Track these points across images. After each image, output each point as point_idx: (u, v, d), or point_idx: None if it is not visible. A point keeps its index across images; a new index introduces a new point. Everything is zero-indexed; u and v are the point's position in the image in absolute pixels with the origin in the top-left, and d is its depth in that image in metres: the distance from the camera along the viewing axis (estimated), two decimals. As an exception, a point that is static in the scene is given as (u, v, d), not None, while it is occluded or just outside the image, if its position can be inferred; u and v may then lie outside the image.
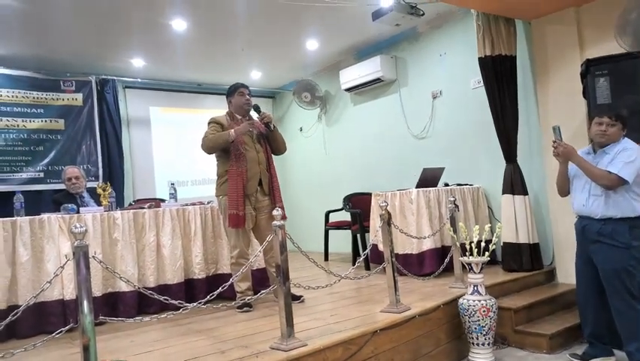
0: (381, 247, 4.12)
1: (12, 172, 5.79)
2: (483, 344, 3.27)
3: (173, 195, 4.34)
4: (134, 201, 5.62)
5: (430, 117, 5.71)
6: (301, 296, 3.76)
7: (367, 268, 4.96)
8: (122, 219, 3.63)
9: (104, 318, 2.43)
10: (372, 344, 2.86)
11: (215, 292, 2.65)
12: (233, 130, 3.61)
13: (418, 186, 4.66)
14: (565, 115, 4.18)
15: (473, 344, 3.30)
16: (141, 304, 3.59)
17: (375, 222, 4.83)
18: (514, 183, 4.50)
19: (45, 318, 3.19)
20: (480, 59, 4.56)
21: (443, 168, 5.04)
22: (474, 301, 3.28)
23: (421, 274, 4.23)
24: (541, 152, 4.56)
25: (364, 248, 5.24)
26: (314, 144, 7.47)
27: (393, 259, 3.32)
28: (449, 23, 5.45)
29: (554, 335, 3.53)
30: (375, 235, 4.59)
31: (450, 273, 4.05)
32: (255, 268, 4.04)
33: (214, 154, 3.77)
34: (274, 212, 2.66)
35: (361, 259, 3.51)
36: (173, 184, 4.49)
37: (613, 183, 2.89)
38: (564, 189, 3.27)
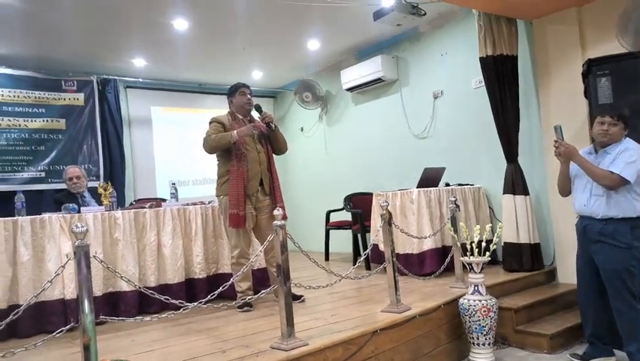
0: (381, 247, 4.12)
1: (13, 172, 5.80)
2: (483, 344, 3.27)
3: (174, 195, 4.34)
4: (135, 201, 5.63)
5: (431, 117, 5.71)
6: (302, 296, 3.76)
7: (368, 267, 4.96)
8: (123, 218, 3.64)
9: (105, 318, 2.43)
10: (372, 343, 2.86)
11: (216, 292, 2.65)
12: (235, 132, 3.61)
13: (419, 186, 4.66)
14: (566, 115, 4.17)
15: (474, 344, 3.30)
16: (142, 303, 3.60)
17: (376, 222, 4.83)
18: (515, 183, 4.50)
19: (46, 317, 3.20)
20: (481, 58, 4.55)
21: (444, 168, 5.04)
22: (474, 301, 3.28)
23: (422, 273, 4.22)
24: (543, 152, 4.55)
25: (365, 248, 5.24)
26: (315, 144, 7.47)
27: (394, 259, 3.32)
28: (450, 23, 5.45)
29: (555, 335, 3.53)
30: (375, 234, 4.59)
31: (451, 273, 4.05)
32: (255, 268, 4.04)
33: (215, 154, 3.78)
34: (275, 212, 2.66)
35: (362, 258, 3.52)
36: (174, 184, 4.49)
37: (614, 183, 2.89)
38: (565, 189, 3.26)
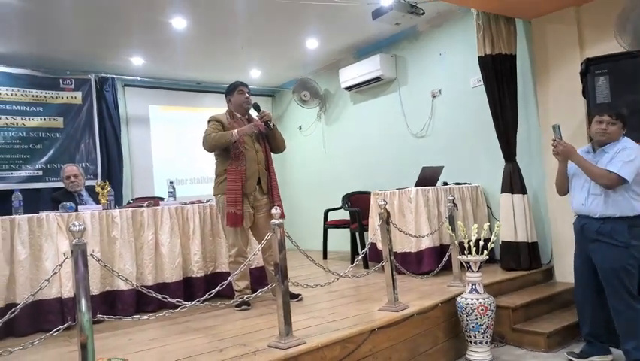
0: (379, 246, 4.12)
1: (10, 170, 5.79)
2: (481, 343, 3.27)
3: (172, 194, 4.34)
4: (132, 200, 5.62)
5: (430, 116, 5.71)
6: (299, 295, 3.76)
7: (366, 266, 4.96)
8: (121, 217, 3.63)
9: (102, 316, 2.42)
10: (370, 342, 2.86)
11: (214, 291, 2.65)
12: (236, 130, 3.61)
13: (417, 185, 4.66)
14: (564, 114, 4.18)
15: (471, 342, 3.30)
16: (139, 302, 3.59)
17: (374, 220, 4.83)
18: (513, 182, 4.50)
19: (43, 316, 3.19)
20: (480, 58, 4.55)
21: (442, 167, 5.04)
22: (472, 299, 3.29)
23: (420, 272, 4.22)
24: (541, 151, 4.56)
25: (363, 247, 5.25)
26: (313, 143, 7.46)
27: (392, 258, 3.32)
28: (449, 22, 5.45)
29: (552, 334, 3.54)
30: (373, 233, 4.59)
31: (448, 271, 4.06)
32: (253, 267, 4.04)
33: (214, 152, 3.77)
34: (273, 210, 2.66)
35: (360, 257, 3.52)
36: (172, 183, 4.48)
37: (613, 182, 2.89)
38: (563, 188, 3.27)
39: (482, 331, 3.25)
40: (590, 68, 3.82)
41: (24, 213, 3.37)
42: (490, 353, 3.30)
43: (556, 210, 4.35)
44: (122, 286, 3.49)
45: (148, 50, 5.86)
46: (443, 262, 4.06)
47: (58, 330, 2.17)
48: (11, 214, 3.36)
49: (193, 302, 2.56)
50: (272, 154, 3.89)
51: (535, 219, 4.56)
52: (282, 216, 2.74)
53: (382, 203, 3.39)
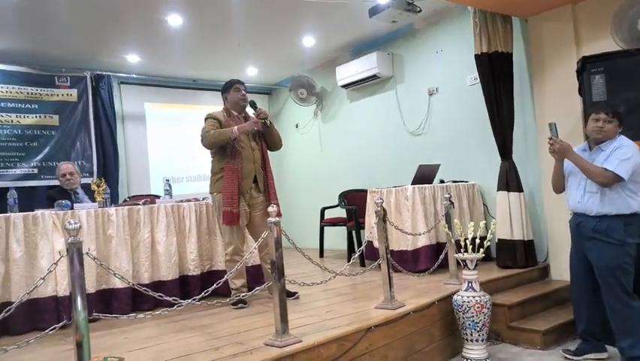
0: (376, 244, 4.11)
1: (6, 168, 5.76)
2: (477, 340, 3.27)
3: (168, 192, 4.32)
4: (128, 198, 5.57)
5: (426, 114, 5.71)
6: (296, 293, 3.75)
7: (362, 264, 4.96)
8: (117, 215, 3.62)
9: (98, 315, 2.41)
10: (366, 340, 2.86)
11: (210, 289, 2.65)
12: (236, 127, 3.60)
13: (413, 183, 4.66)
14: (561, 112, 4.19)
15: (467, 340, 3.30)
16: (135, 300, 3.59)
17: (370, 218, 4.83)
18: (510, 180, 4.51)
19: (38, 315, 3.18)
20: (476, 55, 4.55)
21: (439, 165, 5.05)
22: (468, 297, 3.29)
23: (416, 270, 4.23)
24: (537, 149, 4.57)
25: (359, 245, 5.24)
26: (310, 141, 7.46)
27: (388, 256, 3.32)
28: (446, 20, 5.45)
29: (548, 331, 3.55)
30: (370, 231, 4.58)
31: (445, 269, 4.06)
32: (249, 265, 4.03)
33: (210, 151, 3.76)
34: (270, 208, 2.65)
35: (356, 255, 3.51)
36: (168, 180, 4.46)
37: (609, 181, 2.90)
38: (559, 186, 3.27)
39: (478, 329, 3.25)
40: (586, 66, 3.82)
41: (19, 211, 3.36)
42: (486, 350, 3.30)
43: (552, 208, 4.36)
44: (118, 284, 3.48)
45: (144, 48, 5.84)
46: (439, 260, 4.06)
47: (54, 329, 2.16)
48: (6, 212, 3.34)
49: (189, 301, 2.55)
50: (268, 152, 3.88)
51: (531, 217, 4.58)
52: (279, 214, 2.73)
53: (379, 201, 3.39)
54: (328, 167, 7.11)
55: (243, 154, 3.65)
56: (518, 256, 4.42)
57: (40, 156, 5.98)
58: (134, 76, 6.70)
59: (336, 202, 5.92)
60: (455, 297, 3.38)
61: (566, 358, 3.27)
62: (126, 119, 6.79)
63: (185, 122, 7.06)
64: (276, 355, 2.43)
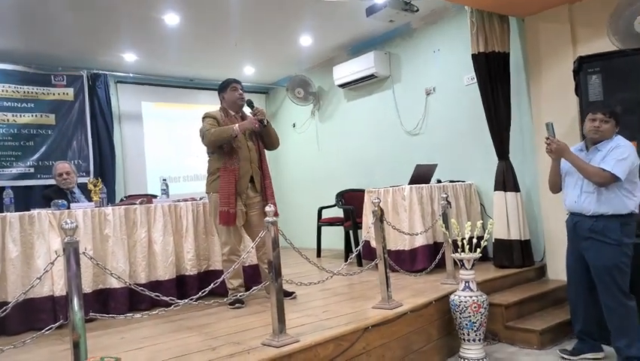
0: (373, 244, 4.13)
1: (2, 167, 5.74)
2: (474, 340, 3.28)
3: (165, 191, 4.32)
4: (125, 197, 5.58)
5: (424, 114, 5.72)
6: (293, 293, 3.75)
7: (360, 264, 4.97)
8: (113, 215, 3.61)
9: (95, 315, 2.41)
10: (363, 340, 2.86)
11: (207, 289, 2.64)
12: (237, 125, 3.59)
13: (410, 183, 4.67)
14: (557, 112, 4.19)
15: (464, 340, 3.31)
16: (132, 300, 3.58)
17: (367, 218, 4.83)
18: (506, 180, 4.52)
19: (35, 315, 3.17)
20: (473, 55, 4.56)
21: (436, 165, 5.05)
22: (465, 297, 3.29)
23: (413, 270, 4.23)
24: (534, 149, 4.58)
25: (357, 244, 5.25)
26: (307, 140, 7.45)
27: (386, 256, 3.32)
28: (443, 20, 5.45)
29: (544, 331, 3.56)
30: (367, 231, 4.60)
31: (442, 269, 4.07)
32: (247, 265, 4.03)
33: (207, 150, 3.75)
34: (267, 208, 2.65)
35: (354, 255, 3.52)
36: (164, 180, 4.46)
37: (606, 180, 2.90)
38: (556, 185, 3.28)
39: (475, 328, 3.26)
40: (582, 66, 3.83)
41: (15, 211, 3.34)
42: (483, 350, 3.31)
43: (548, 207, 4.37)
44: (115, 284, 3.47)
45: (141, 47, 5.82)
46: (437, 259, 4.07)
47: (50, 329, 2.15)
48: (2, 212, 3.33)
49: (186, 300, 2.55)
50: (265, 152, 3.87)
51: (528, 216, 4.58)
52: (275, 214, 2.73)
53: (376, 201, 3.39)
54: (325, 166, 7.11)
55: (240, 154, 3.64)
56: (515, 255, 4.43)
57: (36, 156, 5.96)
58: (131, 75, 6.67)
59: (333, 202, 5.92)
60: (452, 297, 3.38)
61: (562, 358, 3.28)
62: (123, 119, 6.77)
63: (183, 122, 7.05)
64: (274, 355, 2.43)
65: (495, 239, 4.53)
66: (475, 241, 3.36)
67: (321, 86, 7.17)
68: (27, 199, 5.39)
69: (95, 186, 3.89)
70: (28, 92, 5.94)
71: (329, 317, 3.11)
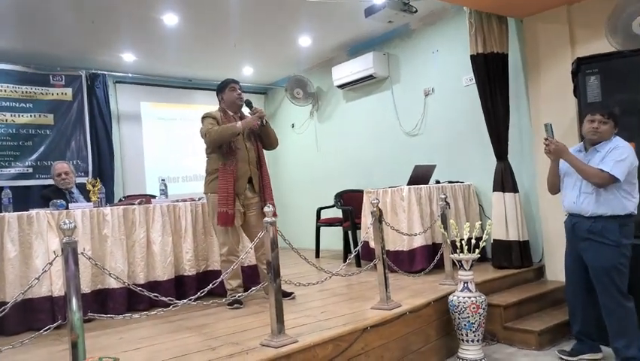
0: (372, 244, 4.13)
1: (0, 167, 5.73)
2: (472, 341, 3.28)
3: (164, 192, 4.31)
4: (124, 197, 5.57)
5: (422, 114, 5.72)
6: (292, 293, 3.75)
7: (358, 265, 4.97)
8: (112, 215, 3.60)
9: (93, 315, 2.41)
10: (362, 340, 2.86)
11: (206, 289, 2.65)
12: (239, 123, 3.59)
13: (409, 183, 4.67)
14: (556, 113, 4.20)
15: (463, 340, 3.31)
16: (131, 301, 3.57)
17: (366, 219, 4.83)
18: (505, 181, 4.52)
19: (33, 315, 3.16)
20: (472, 56, 4.56)
21: (435, 166, 5.05)
22: (464, 298, 3.30)
23: (412, 271, 4.23)
24: (532, 149, 4.58)
25: (355, 245, 5.25)
26: (306, 141, 7.45)
27: (384, 256, 3.32)
28: (442, 20, 5.45)
29: (543, 332, 3.56)
30: (366, 231, 4.59)
31: (440, 270, 4.07)
32: (245, 265, 4.03)
33: (206, 151, 3.75)
34: (265, 208, 2.64)
35: (352, 256, 3.52)
36: (163, 180, 4.45)
37: (604, 181, 2.91)
38: (555, 186, 3.28)
39: (474, 329, 3.26)
40: (581, 68, 3.84)
41: (14, 211, 3.34)
42: (481, 351, 3.31)
43: (547, 208, 4.37)
44: (114, 284, 3.46)
45: (139, 47, 5.82)
46: (435, 260, 4.07)
47: (49, 329, 2.15)
48: (1, 212, 3.33)
49: (185, 301, 2.55)
50: (264, 152, 3.87)
51: (526, 217, 4.59)
52: (274, 214, 2.73)
53: (375, 201, 3.39)
54: (324, 167, 7.11)
55: (238, 155, 3.64)
56: (514, 256, 4.44)
57: (34, 156, 5.95)
58: (130, 75, 6.67)
59: (332, 202, 5.92)
60: (451, 297, 3.38)
61: (561, 358, 3.28)
62: (121, 119, 6.77)
63: (181, 122, 7.06)
64: (272, 355, 2.43)
65: (493, 240, 4.53)
66: (473, 241, 3.37)
67: (320, 86, 7.17)
68: (25, 199, 5.38)
69: (93, 186, 3.89)
70: (26, 92, 5.93)
71: (328, 317, 3.11)
